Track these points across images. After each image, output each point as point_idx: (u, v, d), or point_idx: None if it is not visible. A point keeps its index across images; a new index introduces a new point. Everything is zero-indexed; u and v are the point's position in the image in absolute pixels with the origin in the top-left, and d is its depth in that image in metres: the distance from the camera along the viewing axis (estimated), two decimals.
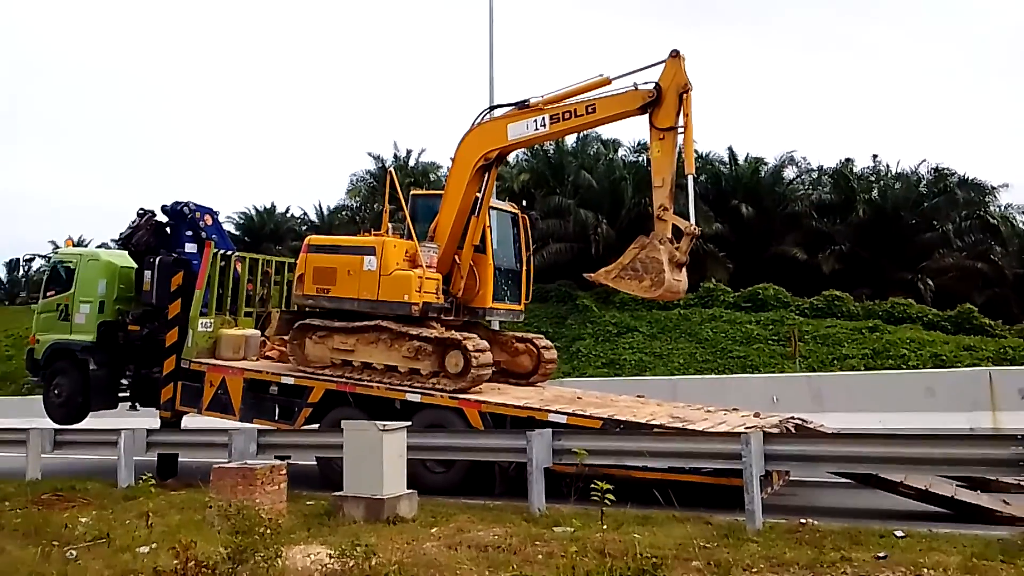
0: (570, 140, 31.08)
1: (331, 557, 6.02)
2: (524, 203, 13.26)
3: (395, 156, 35.75)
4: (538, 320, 24.98)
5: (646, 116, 10.19)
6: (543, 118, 10.71)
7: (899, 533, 6.64)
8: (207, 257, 12.52)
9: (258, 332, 13.04)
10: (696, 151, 11.48)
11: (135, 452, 11.28)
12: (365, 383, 10.97)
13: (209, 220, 13.49)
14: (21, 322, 32.49)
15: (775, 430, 9.07)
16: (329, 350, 11.26)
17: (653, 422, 9.49)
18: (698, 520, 7.36)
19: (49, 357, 13.29)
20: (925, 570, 5.54)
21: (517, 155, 29.11)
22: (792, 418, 10.42)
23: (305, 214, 43.07)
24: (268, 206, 43.71)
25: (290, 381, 11.52)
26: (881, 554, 5.96)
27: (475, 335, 10.95)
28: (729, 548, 6.37)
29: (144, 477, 9.65)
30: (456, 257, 11.48)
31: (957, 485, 8.48)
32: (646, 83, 10.14)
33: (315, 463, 10.99)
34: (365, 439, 8.15)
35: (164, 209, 13.29)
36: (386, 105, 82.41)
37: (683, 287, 10.38)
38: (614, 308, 26.61)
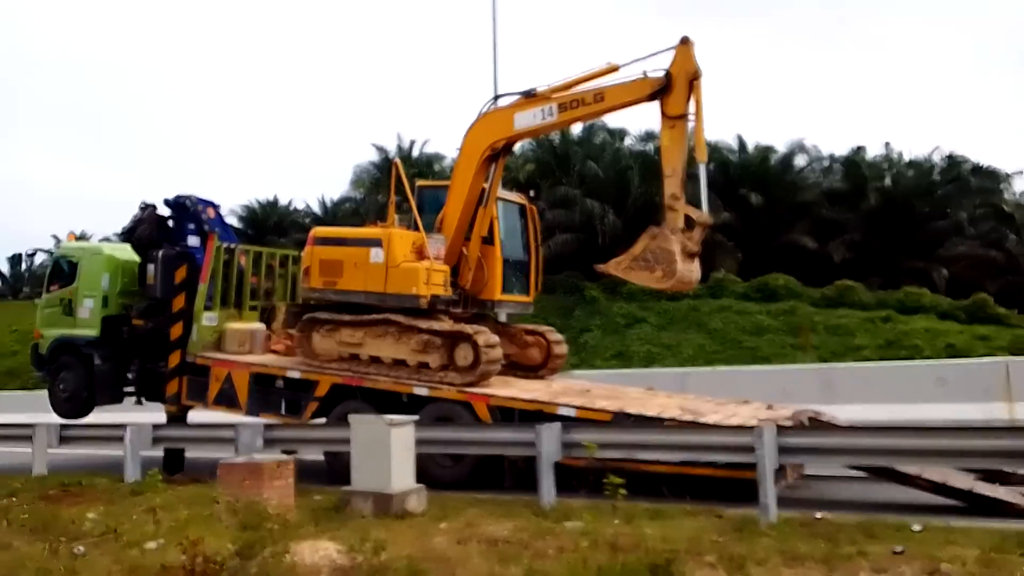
0: (576, 129, 30.92)
1: (340, 552, 6.00)
2: (532, 193, 13.13)
3: (399, 147, 35.69)
4: (545, 311, 24.85)
5: (656, 104, 10.05)
6: (551, 107, 10.57)
7: (916, 527, 6.54)
8: (211, 250, 12.48)
9: (263, 326, 13.01)
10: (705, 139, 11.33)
11: (141, 447, 11.24)
12: (372, 377, 10.90)
13: (212, 213, 13.47)
14: (25, 317, 32.55)
15: (788, 422, 8.97)
16: (337, 344, 11.20)
17: (663, 415, 9.39)
18: (710, 514, 7.28)
19: (54, 352, 13.30)
20: (942, 564, 5.45)
21: (522, 145, 28.99)
22: (805, 409, 10.30)
23: (309, 206, 43.04)
24: (271, 199, 43.66)
25: (296, 375, 11.47)
26: (898, 548, 5.86)
27: (485, 329, 10.87)
28: (742, 542, 6.29)
29: (151, 472, 9.68)
30: (464, 249, 11.39)
31: (975, 478, 8.36)
32: (656, 71, 9.99)
33: (322, 457, 10.94)
34: (373, 433, 8.08)
35: (166, 202, 13.27)
36: (389, 96, 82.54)
37: (696, 277, 10.25)
38: (622, 299, 26.50)
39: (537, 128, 11.12)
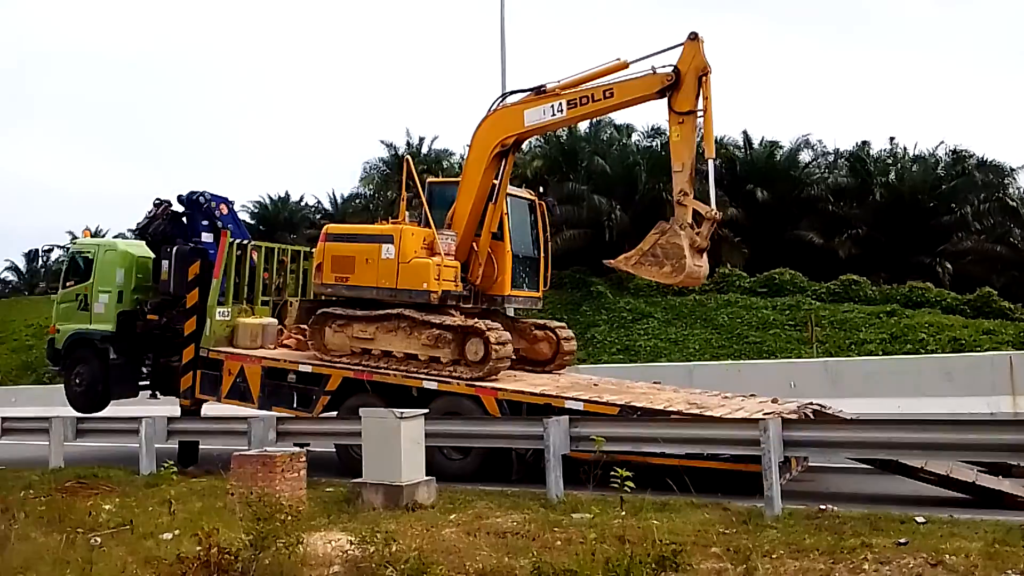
0: (583, 125, 30.92)
1: (351, 543, 6.08)
2: (541, 189, 13.19)
3: (408, 143, 35.74)
4: (552, 307, 24.96)
5: (665, 100, 10.08)
6: (560, 103, 10.62)
7: (920, 519, 6.60)
8: (223, 246, 12.59)
9: (275, 321, 13.12)
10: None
11: (156, 440, 11.41)
12: (382, 371, 11.01)
13: (224, 209, 13.59)
14: (41, 312, 32.80)
15: (793, 416, 9.03)
16: (349, 338, 11.31)
17: (670, 409, 9.47)
18: (716, 506, 7.36)
19: (70, 347, 13.44)
20: (946, 556, 5.49)
21: (530, 142, 28.88)
22: (811, 403, 10.38)
23: (319, 202, 43.19)
24: (282, 195, 43.87)
25: (308, 369, 11.59)
26: (902, 540, 5.92)
27: (498, 325, 10.96)
28: (748, 534, 6.37)
29: (165, 465, 9.80)
30: (474, 244, 11.48)
31: (978, 471, 8.42)
32: (664, 67, 10.02)
33: (333, 450, 11.07)
34: (383, 426, 8.20)
35: (180, 199, 13.38)
36: (398, 92, 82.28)
37: (704, 272, 10.32)
38: (629, 294, 26.54)
39: (547, 124, 11.18)
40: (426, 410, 8.97)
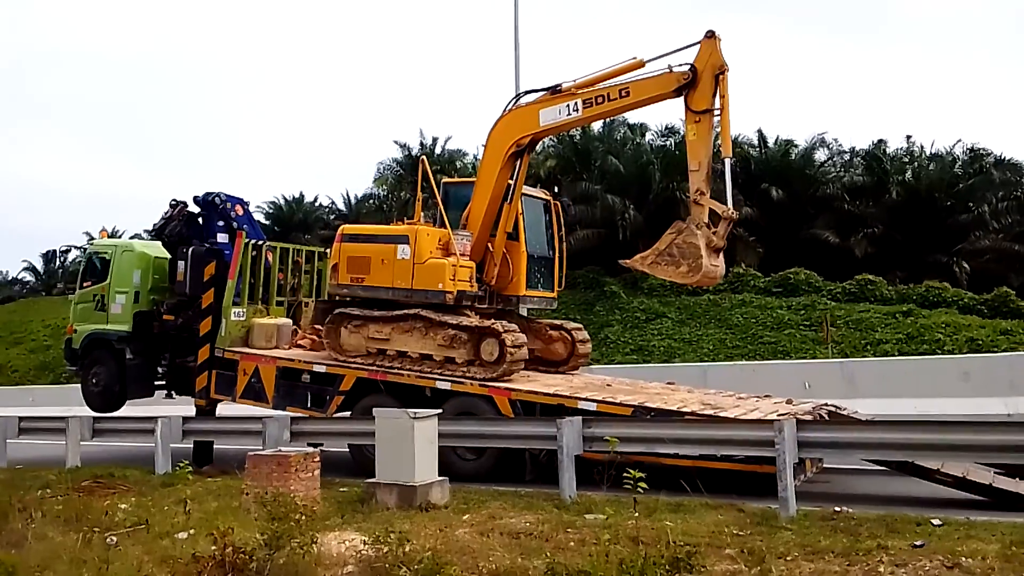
0: (596, 125, 30.91)
1: (365, 543, 6.09)
2: (556, 189, 13.18)
3: (421, 144, 35.81)
4: (566, 307, 24.94)
5: (681, 99, 10.03)
6: (576, 103, 10.59)
7: (936, 521, 6.56)
8: (239, 247, 12.65)
9: (289, 321, 13.18)
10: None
11: (172, 439, 11.48)
12: (396, 371, 11.04)
13: (240, 210, 13.64)
14: (58, 312, 33.18)
15: (808, 417, 8.98)
16: (365, 339, 11.35)
17: (684, 409, 9.44)
18: (730, 508, 7.33)
19: (87, 347, 13.54)
20: (963, 559, 5.45)
21: (543, 141, 28.95)
22: (825, 404, 10.31)
23: (333, 203, 43.40)
24: (296, 195, 44.11)
25: (322, 369, 11.64)
26: (918, 542, 5.88)
27: (515, 326, 10.96)
28: (763, 536, 6.35)
29: (181, 464, 9.82)
30: (489, 245, 11.47)
31: (996, 473, 8.33)
32: (681, 65, 9.97)
33: (347, 450, 11.11)
34: (397, 427, 8.21)
35: (196, 200, 13.46)
36: (411, 92, 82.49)
37: (721, 272, 10.28)
38: (642, 294, 26.49)
39: (562, 124, 11.15)
40: (439, 410, 8.97)
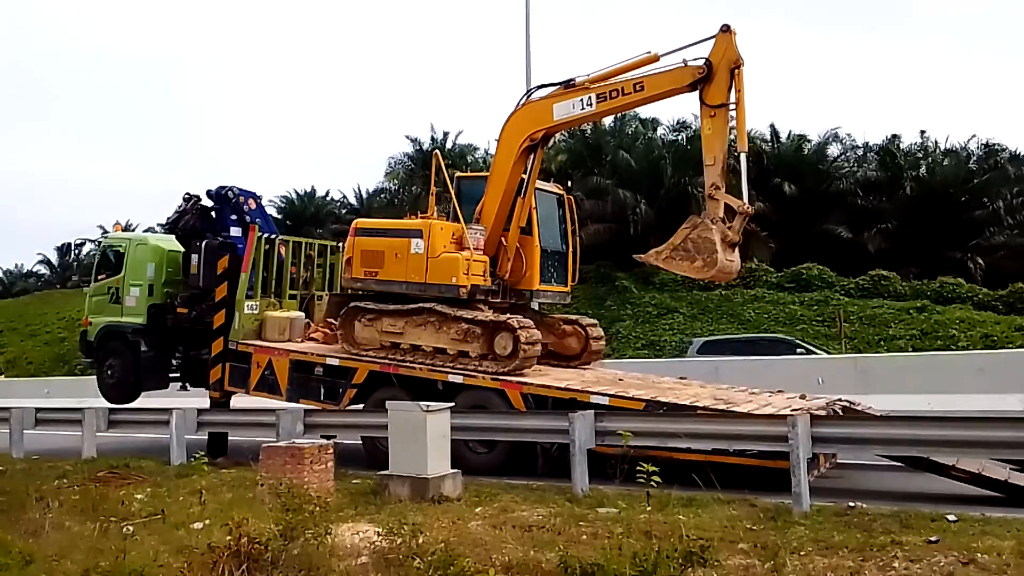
0: (608, 120, 30.75)
1: (379, 535, 6.11)
2: (570, 184, 13.16)
3: (432, 138, 35.78)
4: (577, 301, 24.85)
5: (696, 94, 9.99)
6: (589, 97, 10.55)
7: (951, 517, 6.53)
8: (252, 241, 12.72)
9: (302, 315, 13.23)
10: None
11: (186, 431, 11.58)
12: (408, 364, 11.07)
13: (253, 204, 13.72)
14: (73, 305, 33.40)
15: (822, 412, 8.95)
16: (378, 332, 11.38)
17: (697, 404, 9.42)
18: (743, 502, 7.31)
19: (102, 339, 13.67)
20: (978, 555, 5.43)
21: (554, 136, 29.00)
22: (839, 400, 10.27)
23: (345, 197, 43.53)
24: (308, 190, 44.27)
25: (335, 362, 11.68)
26: (933, 538, 5.86)
27: (530, 322, 10.96)
28: (776, 531, 6.33)
29: (196, 456, 9.91)
30: (502, 239, 11.45)
31: (1011, 469, 8.28)
32: (696, 59, 9.92)
33: (360, 443, 11.15)
34: (409, 420, 8.24)
35: (209, 194, 13.54)
36: (422, 87, 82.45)
37: (736, 267, 10.23)
38: (654, 289, 26.44)
39: (576, 118, 11.13)
40: (452, 404, 8.99)
